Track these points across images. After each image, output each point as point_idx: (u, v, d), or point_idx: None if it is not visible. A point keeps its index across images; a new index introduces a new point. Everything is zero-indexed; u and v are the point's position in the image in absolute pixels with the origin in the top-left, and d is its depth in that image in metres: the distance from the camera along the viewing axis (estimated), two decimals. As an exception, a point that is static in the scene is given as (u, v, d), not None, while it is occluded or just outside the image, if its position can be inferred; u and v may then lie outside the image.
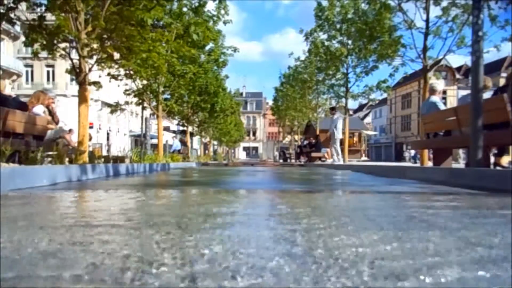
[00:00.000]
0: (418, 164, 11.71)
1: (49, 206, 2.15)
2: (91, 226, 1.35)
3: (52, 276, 0.76)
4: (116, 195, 2.69)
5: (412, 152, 35.18)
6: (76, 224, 1.40)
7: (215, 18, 12.57)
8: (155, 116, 13.03)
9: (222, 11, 12.71)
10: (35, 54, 6.57)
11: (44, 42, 6.02)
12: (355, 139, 32.09)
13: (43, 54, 6.77)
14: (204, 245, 1.04)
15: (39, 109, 5.94)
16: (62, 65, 31.76)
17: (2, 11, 5.61)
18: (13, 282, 0.73)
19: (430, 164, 9.04)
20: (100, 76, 7.85)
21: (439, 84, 7.40)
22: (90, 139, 10.63)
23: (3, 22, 5.89)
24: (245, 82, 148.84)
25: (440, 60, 12.33)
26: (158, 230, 1.26)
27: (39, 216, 1.66)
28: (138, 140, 21.43)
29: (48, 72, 36.54)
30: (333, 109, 14.74)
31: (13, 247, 1.01)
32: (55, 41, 6.09)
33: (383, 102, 54.16)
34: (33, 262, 0.86)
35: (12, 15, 5.69)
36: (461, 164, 11.42)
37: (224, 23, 12.85)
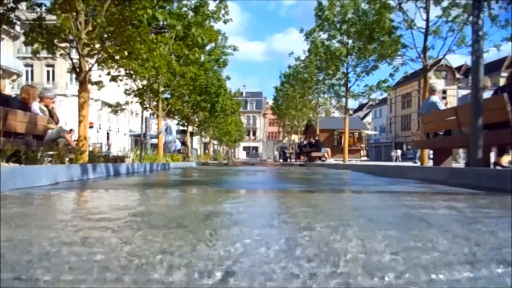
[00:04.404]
0: (418, 164, 11.71)
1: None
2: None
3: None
4: (120, 194, 2.69)
5: (399, 152, 35.53)
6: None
7: (215, 16, 12.59)
8: (155, 116, 13.04)
9: (222, 11, 12.73)
10: (35, 53, 6.57)
11: (44, 41, 6.02)
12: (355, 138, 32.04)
13: (43, 53, 6.76)
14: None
15: (35, 107, 5.93)
16: (62, 65, 31.81)
17: (2, 11, 5.61)
18: (13, 282, 0.74)
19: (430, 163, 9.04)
20: (100, 76, 7.86)
21: (438, 84, 7.40)
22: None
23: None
24: (246, 81, 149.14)
25: (440, 60, 12.32)
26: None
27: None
28: (138, 140, 21.43)
29: (48, 71, 36.54)
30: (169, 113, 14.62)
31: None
32: (55, 41, 6.09)
33: (383, 101, 54.15)
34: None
35: (12, 16, 5.68)
36: (461, 164, 11.42)
37: (225, 22, 12.88)
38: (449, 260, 0.90)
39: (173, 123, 13.16)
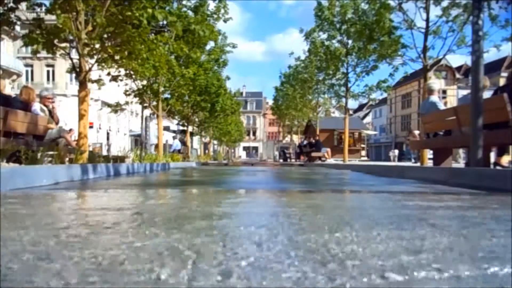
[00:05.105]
0: (418, 164, 11.71)
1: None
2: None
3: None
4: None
5: (396, 151, 35.76)
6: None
7: (215, 16, 12.61)
8: (155, 115, 13.04)
9: (222, 10, 12.74)
10: (35, 53, 6.56)
11: (44, 41, 6.01)
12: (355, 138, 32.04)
13: (43, 53, 6.76)
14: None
15: (36, 107, 5.93)
16: (62, 65, 31.79)
17: (2, 11, 5.61)
18: (13, 282, 0.74)
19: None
20: (100, 76, 7.86)
21: (435, 83, 7.38)
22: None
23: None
24: (246, 81, 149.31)
25: (440, 60, 12.31)
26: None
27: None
28: (138, 140, 21.43)
29: (48, 71, 36.54)
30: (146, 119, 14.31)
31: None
32: (55, 41, 6.09)
33: (383, 101, 54.13)
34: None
35: (12, 16, 5.68)
36: (461, 164, 11.42)
37: (225, 21, 12.89)
38: (448, 259, 0.90)
39: (152, 124, 13.43)
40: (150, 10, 5.89)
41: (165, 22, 9.00)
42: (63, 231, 1.24)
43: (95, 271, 0.80)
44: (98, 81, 6.86)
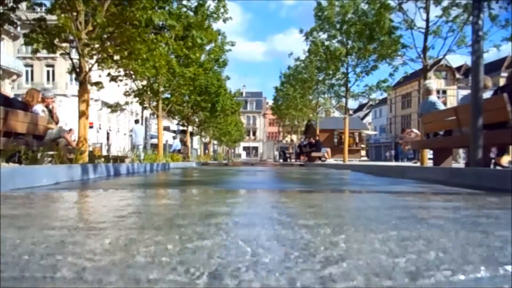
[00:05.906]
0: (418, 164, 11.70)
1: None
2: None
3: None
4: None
5: (393, 152, 35.96)
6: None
7: (214, 16, 12.60)
8: (155, 115, 13.05)
9: (222, 9, 12.72)
10: (35, 52, 6.56)
11: (44, 41, 6.01)
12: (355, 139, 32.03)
13: (43, 53, 6.75)
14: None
15: (38, 108, 5.94)
16: (62, 65, 31.81)
17: (2, 11, 5.61)
18: (13, 282, 0.74)
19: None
20: (100, 76, 7.85)
21: (432, 83, 7.36)
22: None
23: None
24: (246, 82, 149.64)
25: (440, 60, 12.30)
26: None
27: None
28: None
29: (48, 71, 36.55)
30: (136, 121, 16.41)
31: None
32: (55, 41, 6.09)
33: (383, 101, 54.11)
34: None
35: (13, 15, 5.69)
36: (461, 164, 11.41)
37: (224, 21, 12.88)
38: (447, 260, 0.90)
39: (139, 126, 14.53)
40: (149, 12, 5.88)
41: (164, 23, 9.01)
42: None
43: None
44: (97, 84, 6.84)
